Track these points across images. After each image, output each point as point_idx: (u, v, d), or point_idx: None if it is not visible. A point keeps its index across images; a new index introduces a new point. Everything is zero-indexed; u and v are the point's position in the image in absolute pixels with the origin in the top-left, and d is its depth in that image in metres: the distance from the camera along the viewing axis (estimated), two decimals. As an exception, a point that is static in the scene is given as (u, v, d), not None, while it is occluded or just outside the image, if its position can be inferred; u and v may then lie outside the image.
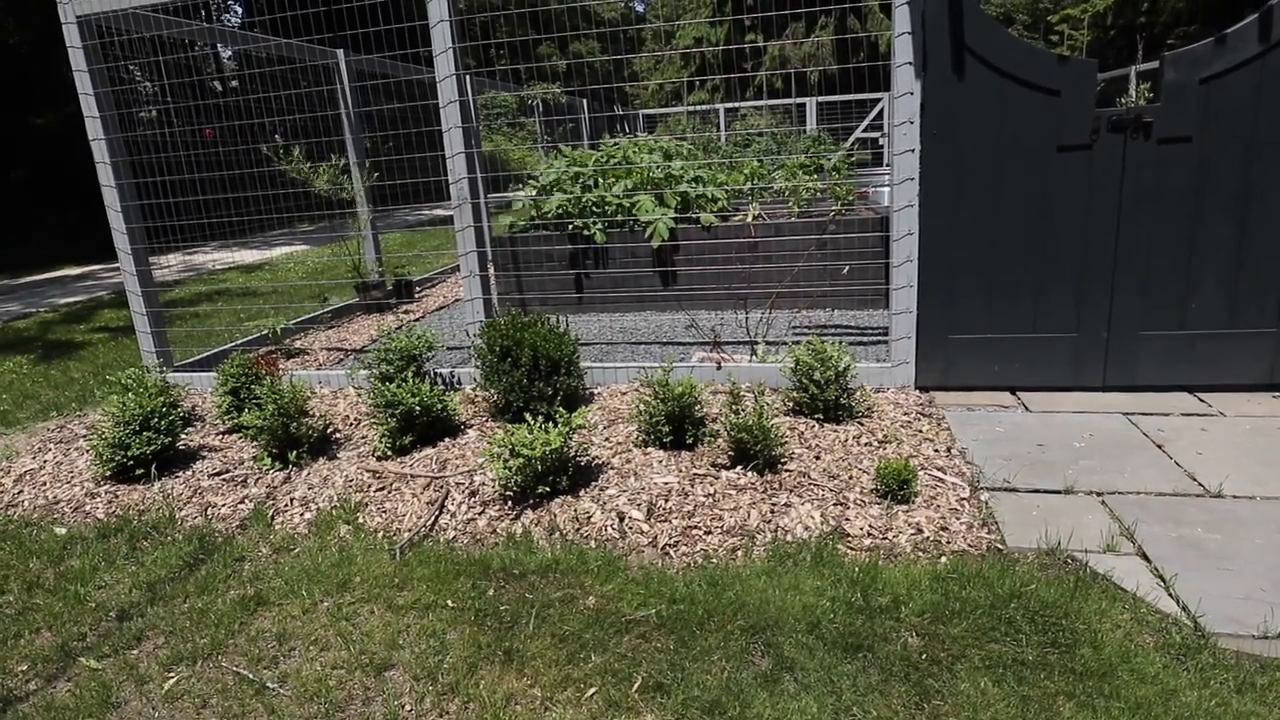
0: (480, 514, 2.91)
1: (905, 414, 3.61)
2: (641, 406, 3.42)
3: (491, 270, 6.26)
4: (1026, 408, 3.64)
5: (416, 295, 7.27)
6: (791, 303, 5.58)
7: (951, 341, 3.81)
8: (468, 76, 9.02)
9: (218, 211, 5.27)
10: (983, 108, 3.53)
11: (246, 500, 3.06)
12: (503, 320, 3.74)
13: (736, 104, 17.88)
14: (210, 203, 4.98)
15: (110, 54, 4.58)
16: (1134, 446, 3.18)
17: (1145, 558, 2.45)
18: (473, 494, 3.02)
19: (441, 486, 3.08)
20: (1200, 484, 2.86)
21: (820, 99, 17.94)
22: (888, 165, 4.77)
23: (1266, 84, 3.32)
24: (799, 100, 17.51)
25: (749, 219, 5.81)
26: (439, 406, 3.45)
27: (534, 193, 6.26)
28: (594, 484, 3.06)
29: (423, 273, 8.54)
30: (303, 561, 2.60)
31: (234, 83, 12.19)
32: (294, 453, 3.24)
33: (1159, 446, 3.17)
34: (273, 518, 2.95)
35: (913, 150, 3.62)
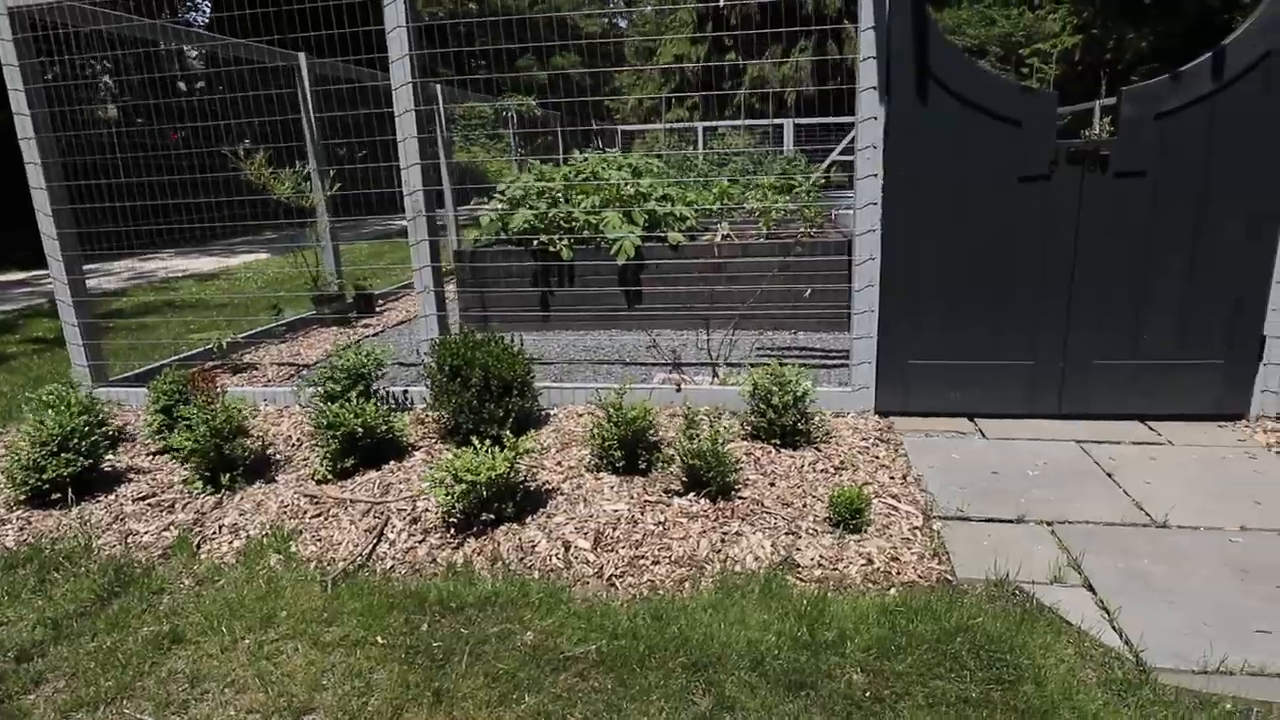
0: (421, 542, 2.81)
1: (863, 439, 3.58)
2: (595, 430, 3.36)
3: (454, 286, 6.20)
4: (983, 434, 3.63)
5: (378, 309, 7.14)
6: (757, 324, 5.55)
7: (911, 367, 3.80)
8: (438, 85, 8.96)
9: (171, 217, 5.13)
10: (946, 135, 3.53)
11: (172, 527, 2.93)
12: (454, 338, 3.66)
13: (715, 123, 17.99)
14: (164, 208, 4.84)
15: (52, 48, 4.45)
16: (1085, 475, 3.18)
17: (1091, 589, 2.43)
18: (414, 521, 2.93)
19: (382, 513, 2.98)
20: (1148, 514, 2.85)
21: (798, 120, 18.12)
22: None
23: (1218, 121, 3.37)
24: (776, 121, 17.66)
25: (717, 239, 5.79)
26: (383, 428, 3.35)
27: (502, 207, 6.19)
28: (542, 510, 2.98)
29: (388, 285, 8.41)
30: (227, 594, 2.48)
31: (199, 84, 12.00)
32: (227, 476, 3.11)
33: (1109, 475, 3.16)
34: (199, 546, 2.81)
35: (875, 175, 3.62)
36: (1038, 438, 3.56)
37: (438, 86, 8.89)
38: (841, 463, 3.31)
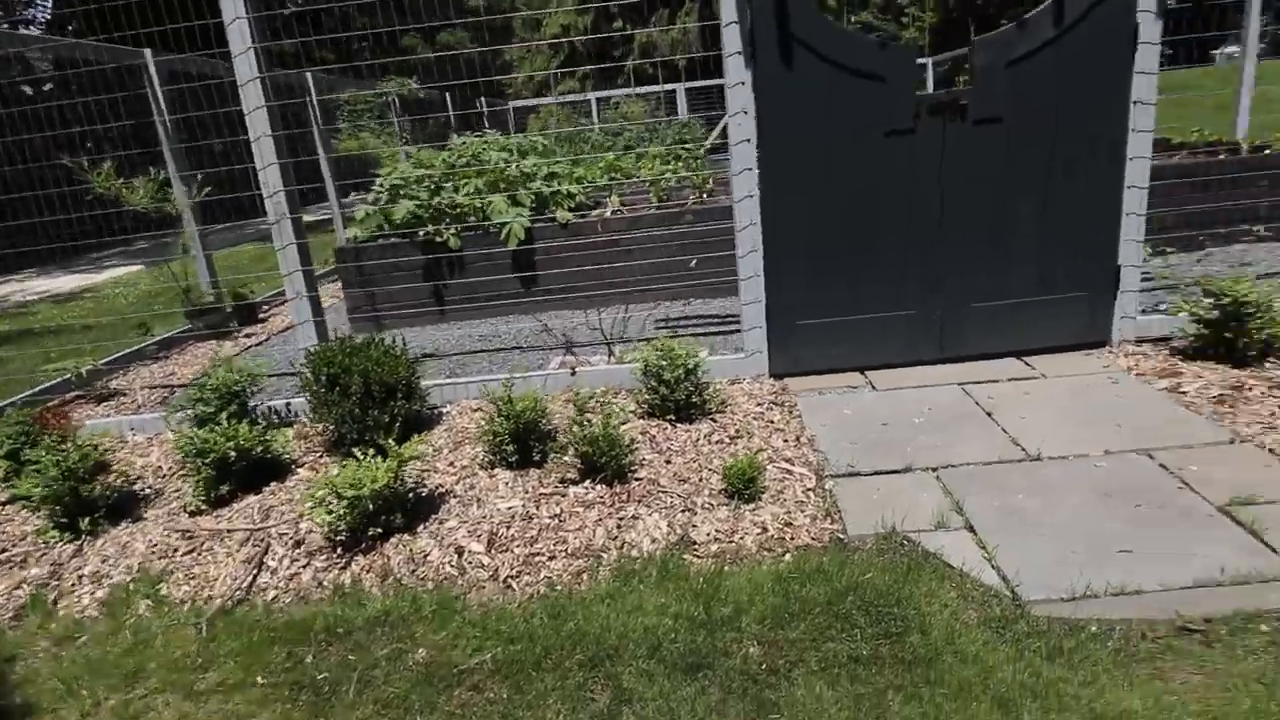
0: (305, 567, 2.68)
1: (758, 405, 3.61)
2: (486, 426, 3.27)
3: (340, 287, 5.93)
4: (873, 386, 3.72)
5: (263, 315, 6.77)
6: (655, 296, 5.53)
7: (801, 327, 3.84)
8: (309, 74, 8.46)
9: (15, 238, 4.70)
10: (814, 95, 3.54)
11: (24, 584, 2.69)
12: (330, 346, 3.48)
13: (607, 93, 17.74)
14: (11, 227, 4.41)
15: None
16: (967, 417, 3.29)
17: (972, 530, 2.52)
18: (298, 544, 2.79)
19: (262, 540, 2.82)
20: (1023, 449, 2.98)
21: (689, 85, 18.05)
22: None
23: (1063, 65, 3.49)
24: (668, 87, 17.56)
25: (607, 213, 5.71)
26: (259, 449, 3.17)
27: (383, 200, 5.92)
28: (434, 516, 2.89)
29: (274, 290, 7.99)
30: (88, 652, 2.30)
31: (33, 89, 11.00)
32: (87, 519, 2.88)
33: (989, 415, 3.29)
34: (55, 602, 2.60)
35: (749, 140, 3.60)
36: (924, 384, 3.67)
37: (309, 75, 8.42)
38: (737, 431, 3.33)
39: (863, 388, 3.73)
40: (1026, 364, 3.79)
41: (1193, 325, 3.54)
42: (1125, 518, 2.51)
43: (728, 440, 3.27)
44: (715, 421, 3.44)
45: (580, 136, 10.46)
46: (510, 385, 3.28)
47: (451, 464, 3.33)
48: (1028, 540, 2.44)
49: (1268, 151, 5.70)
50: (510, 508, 2.90)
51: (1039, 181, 3.62)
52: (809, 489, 2.86)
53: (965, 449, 3.03)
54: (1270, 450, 2.78)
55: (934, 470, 2.91)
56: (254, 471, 3.22)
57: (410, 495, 2.98)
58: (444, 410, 3.95)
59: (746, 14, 3.43)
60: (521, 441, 3.22)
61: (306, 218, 8.17)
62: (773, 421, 3.42)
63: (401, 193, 5.58)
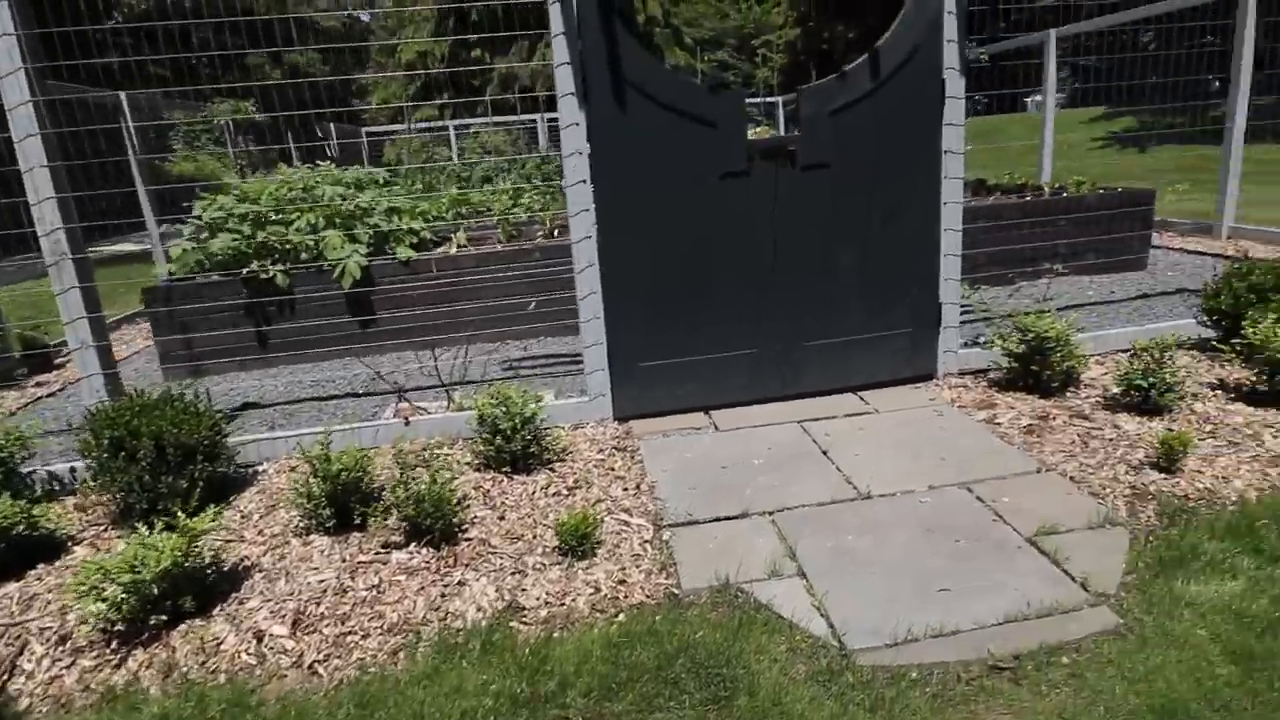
0: (70, 666, 2.30)
1: (600, 451, 3.51)
2: (301, 487, 2.97)
3: (145, 331, 5.35)
4: (717, 427, 3.72)
5: (62, 360, 6.01)
6: (502, 336, 5.36)
7: (643, 369, 3.79)
8: (123, 95, 7.69)
9: None
10: (648, 138, 3.53)
11: None
12: (115, 405, 3.08)
13: (465, 121, 17.43)
14: None
15: None
16: (804, 456, 3.34)
17: (804, 576, 2.51)
18: (63, 640, 2.39)
19: (18, 637, 2.40)
20: (855, 487, 3.04)
21: (549, 116, 18.03)
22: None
23: (881, 115, 3.67)
24: (528, 118, 17.48)
25: (452, 250, 5.49)
26: (22, 525, 2.73)
27: (201, 233, 5.41)
28: (234, 596, 2.57)
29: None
30: None
31: None
32: None
33: (824, 453, 3.35)
34: None
35: (584, 181, 3.54)
36: (765, 423, 3.71)
37: (123, 96, 7.69)
38: (576, 481, 3.21)
39: (706, 429, 3.72)
40: (861, 399, 3.91)
41: (1005, 359, 3.78)
42: (946, 553, 2.58)
43: (566, 491, 3.14)
44: (554, 471, 3.31)
45: (435, 167, 10.15)
46: (327, 442, 3.00)
47: (261, 532, 3.01)
48: (857, 582, 2.46)
49: (1065, 194, 6.30)
50: (323, 580, 2.63)
51: (865, 224, 3.77)
52: (646, 540, 2.77)
53: (801, 489, 3.05)
54: (1071, 478, 2.96)
55: (770, 514, 2.90)
56: (16, 553, 2.77)
57: (209, 572, 2.65)
58: (260, 469, 3.60)
59: (579, 56, 3.38)
60: (340, 504, 2.95)
61: (127, 247, 7.34)
62: (614, 469, 3.33)
63: (222, 227, 5.12)
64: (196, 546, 2.52)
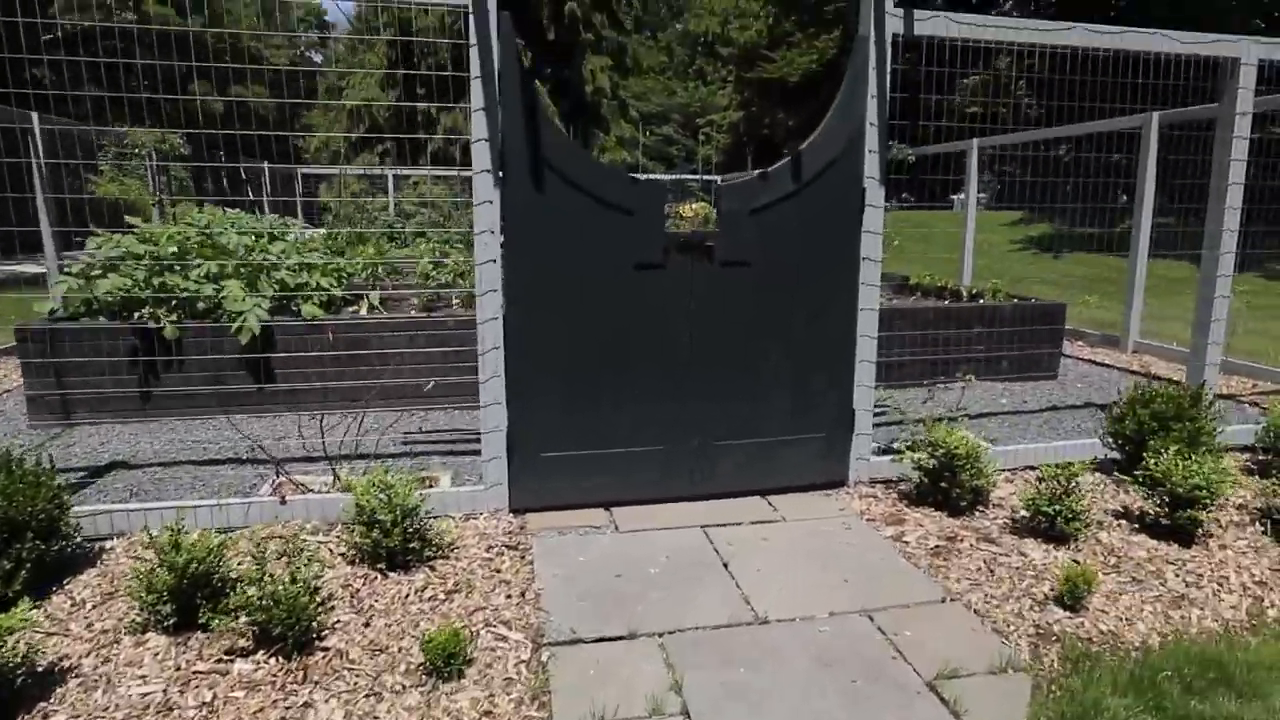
0: None
1: (489, 549, 3.27)
2: (142, 577, 2.64)
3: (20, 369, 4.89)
4: (617, 527, 3.52)
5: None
6: (412, 404, 5.09)
7: (545, 460, 3.59)
8: (34, 115, 7.27)
9: None
10: (564, 222, 3.42)
11: None
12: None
13: (408, 170, 17.23)
14: None
15: None
16: (705, 567, 3.16)
17: (687, 715, 2.30)
18: None
19: None
20: (753, 608, 2.87)
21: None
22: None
23: (802, 217, 3.65)
24: (468, 172, 17.41)
25: (363, 311, 5.24)
26: None
27: (93, 270, 5.03)
28: (40, 706, 2.23)
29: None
30: None
31: None
32: None
33: (725, 565, 3.18)
34: None
35: (494, 261, 3.38)
36: (668, 525, 3.53)
37: (34, 116, 7.26)
38: (456, 584, 2.95)
39: (606, 528, 3.51)
40: (771, 505, 3.78)
41: (915, 473, 3.73)
42: (843, 694, 2.42)
43: (444, 596, 2.88)
44: (435, 571, 3.04)
45: (366, 217, 9.89)
46: (178, 528, 2.68)
47: (90, 626, 2.65)
48: (742, 727, 2.26)
49: (982, 302, 6.48)
50: (147, 694, 2.30)
51: (782, 325, 3.72)
52: (523, 661, 2.53)
53: (697, 608, 2.86)
54: (975, 611, 2.86)
55: (660, 636, 2.69)
56: None
57: (19, 673, 2.29)
58: (108, 546, 3.22)
59: (498, 134, 3.27)
60: (185, 600, 2.63)
61: (31, 269, 6.75)
62: (500, 570, 3.09)
63: (115, 268, 4.77)
64: (3, 643, 2.18)
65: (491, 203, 3.33)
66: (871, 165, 3.69)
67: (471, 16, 3.18)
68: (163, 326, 4.71)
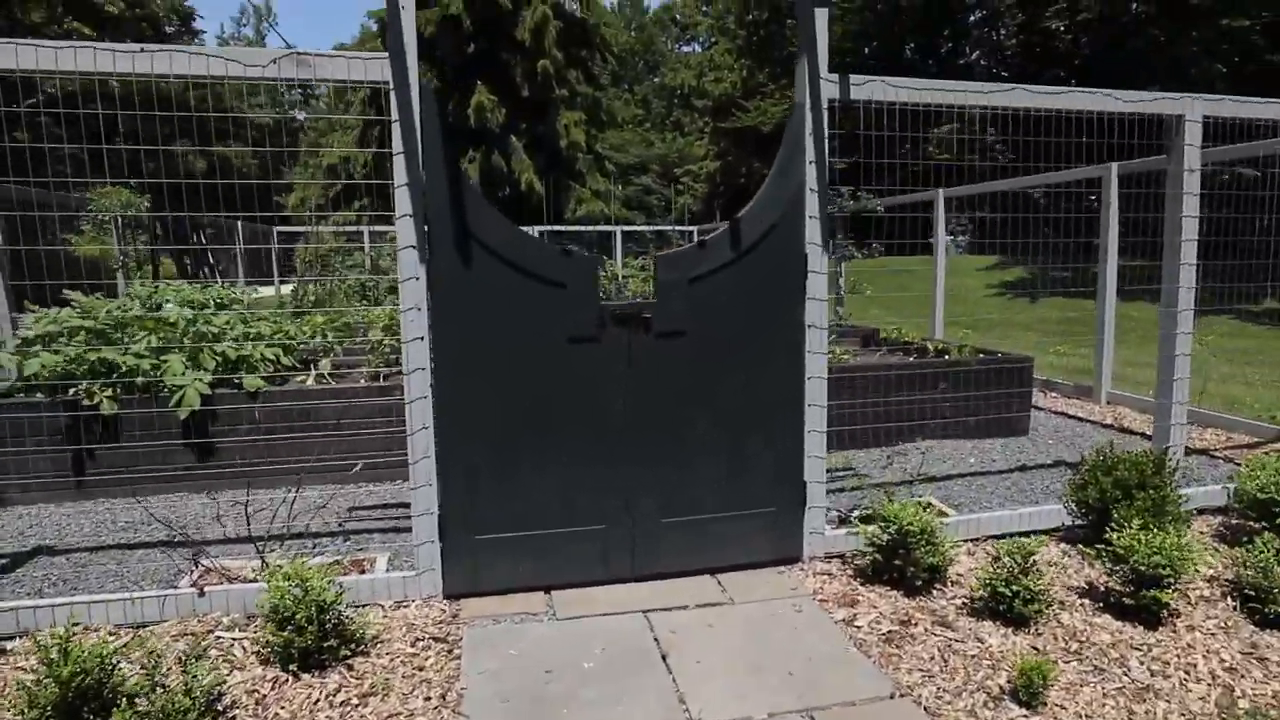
0: None
1: (415, 642, 3.08)
2: (22, 690, 2.44)
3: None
4: (554, 614, 3.34)
5: None
6: (360, 477, 4.91)
7: (480, 543, 3.42)
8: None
9: None
10: (494, 297, 3.32)
11: None
12: None
13: (383, 228, 17.25)
14: None
15: None
16: (641, 660, 2.97)
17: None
18: None
19: None
20: (688, 710, 2.67)
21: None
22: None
23: (742, 285, 3.57)
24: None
25: (309, 381, 5.10)
26: None
27: (33, 346, 4.89)
28: None
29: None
30: None
31: None
32: None
33: (664, 657, 2.99)
34: None
35: (421, 338, 3.27)
36: (608, 610, 3.35)
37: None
38: (372, 686, 2.76)
39: (542, 614, 3.33)
40: (720, 585, 3.61)
41: (868, 548, 3.57)
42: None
43: (357, 701, 2.68)
44: (352, 670, 2.85)
45: (337, 275, 9.81)
46: (66, 635, 2.49)
47: (-40, 749, 2.44)
48: None
49: (947, 357, 6.39)
50: (6, 835, 2.09)
51: (725, 396, 3.60)
52: (431, 780, 2.33)
53: (628, 711, 2.67)
54: (925, 709, 2.68)
55: (584, 744, 2.51)
56: None
57: None
58: (9, 647, 3.02)
59: (422, 209, 3.19)
60: (72, 715, 2.42)
61: None
62: (423, 668, 2.90)
63: (48, 344, 4.63)
64: None
65: (418, 279, 3.22)
66: (813, 230, 3.62)
67: (393, 92, 3.12)
68: (98, 403, 4.55)
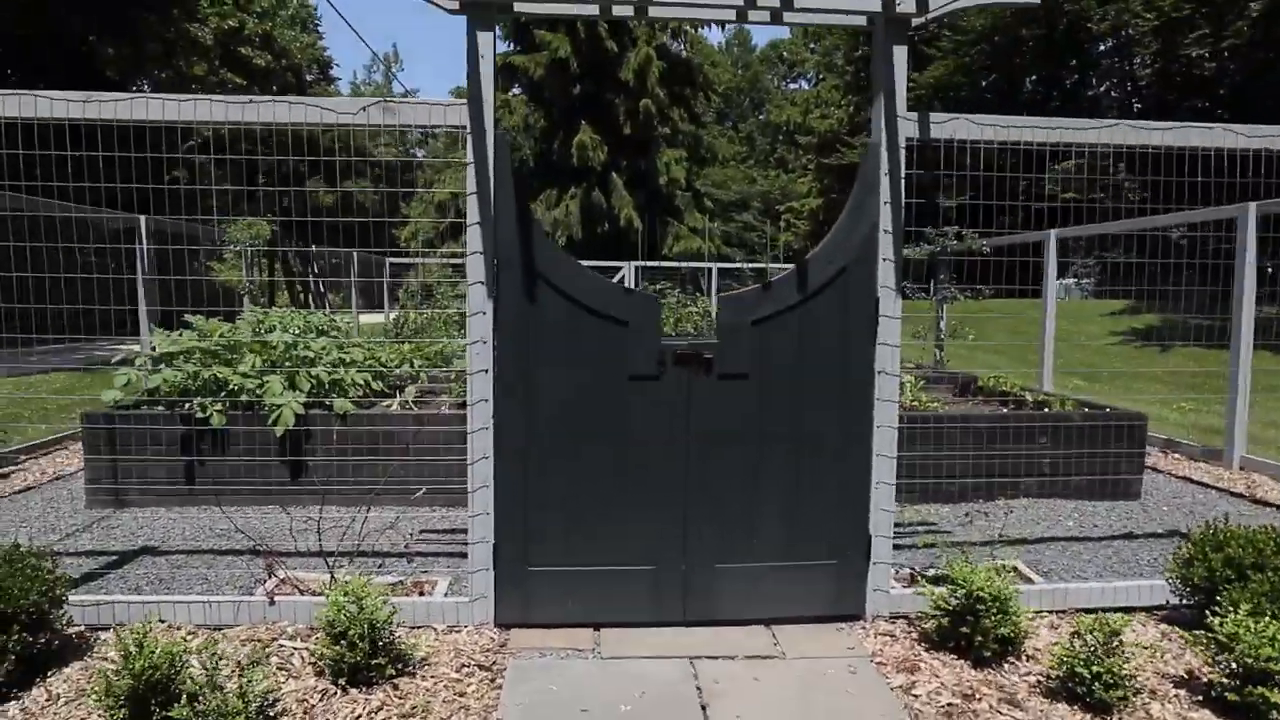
0: None
1: (461, 667, 3.13)
2: (103, 681, 2.65)
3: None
4: (599, 652, 3.32)
5: (8, 470, 5.93)
6: (435, 500, 5.08)
7: (532, 574, 3.46)
8: (142, 219, 8.05)
9: None
10: (557, 332, 3.40)
11: None
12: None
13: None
14: None
15: None
16: (680, 709, 2.90)
17: None
18: None
19: None
20: (721, 766, 2.59)
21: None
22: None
23: (808, 329, 3.49)
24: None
25: (394, 406, 5.35)
26: None
27: (159, 364, 5.40)
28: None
29: (45, 435, 7.11)
30: None
31: None
32: None
33: (704, 708, 2.91)
34: None
35: (486, 371, 3.38)
36: (653, 654, 3.30)
37: (141, 219, 8.07)
38: (413, 708, 2.82)
39: (589, 652, 3.32)
40: (774, 636, 3.49)
41: (935, 612, 3.36)
42: None
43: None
44: (396, 689, 2.93)
45: (439, 303, 10.30)
46: (145, 630, 2.69)
47: (53, 727, 2.67)
48: None
49: (1047, 409, 5.98)
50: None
51: (787, 441, 3.51)
52: (453, 810, 2.35)
53: (658, 758, 2.62)
54: (975, 790, 2.48)
55: (608, 790, 2.46)
56: None
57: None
58: (102, 638, 3.30)
59: (492, 247, 3.31)
60: (142, 705, 2.61)
61: (132, 348, 7.26)
62: (464, 694, 2.94)
63: (170, 361, 5.09)
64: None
65: (485, 314, 3.34)
66: (886, 274, 3.51)
67: (469, 137, 3.28)
68: (209, 416, 4.94)
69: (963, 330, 9.64)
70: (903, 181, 3.52)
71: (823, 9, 3.47)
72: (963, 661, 3.24)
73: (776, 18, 3.52)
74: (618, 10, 3.58)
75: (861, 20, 3.58)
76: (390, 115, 3.35)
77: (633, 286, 17.85)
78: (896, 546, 3.65)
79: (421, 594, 3.70)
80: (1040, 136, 3.68)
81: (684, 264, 20.69)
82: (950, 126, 3.59)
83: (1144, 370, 13.67)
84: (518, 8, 3.48)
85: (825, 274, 3.48)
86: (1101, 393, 10.53)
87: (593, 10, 3.58)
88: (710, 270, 17.24)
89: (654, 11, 3.61)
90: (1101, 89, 34.42)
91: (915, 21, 3.48)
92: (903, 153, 3.51)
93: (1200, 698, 2.99)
